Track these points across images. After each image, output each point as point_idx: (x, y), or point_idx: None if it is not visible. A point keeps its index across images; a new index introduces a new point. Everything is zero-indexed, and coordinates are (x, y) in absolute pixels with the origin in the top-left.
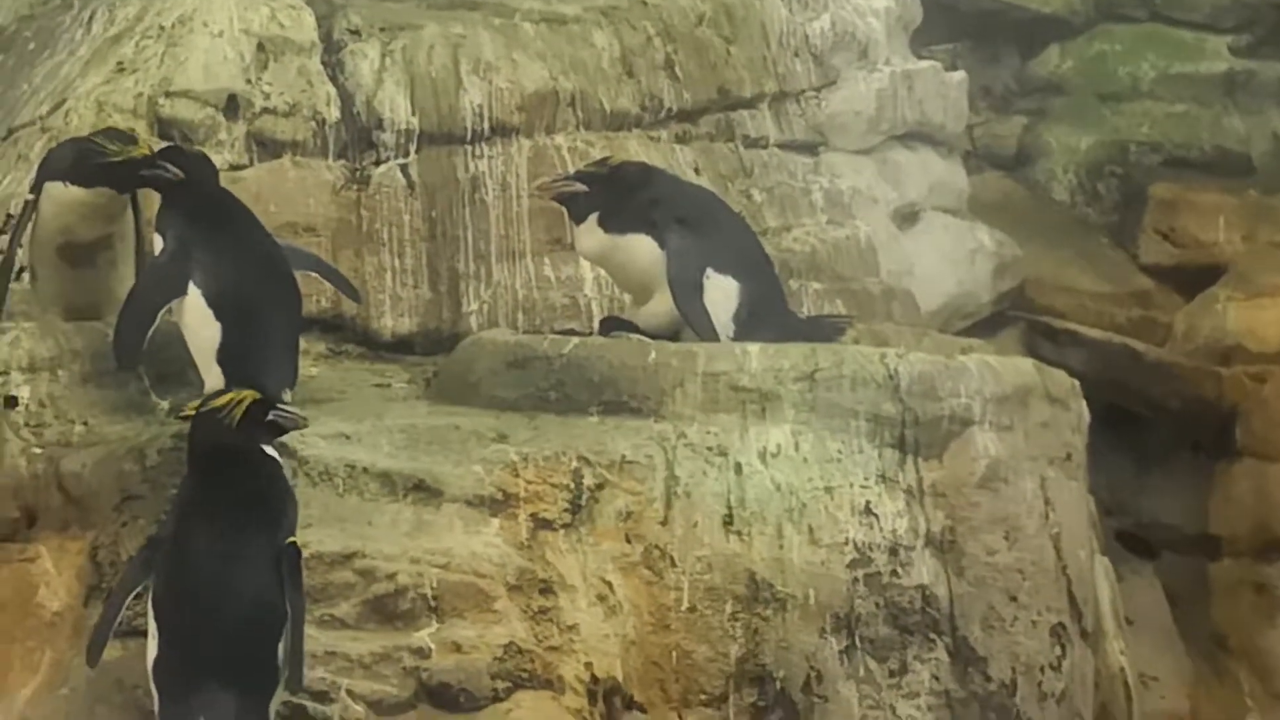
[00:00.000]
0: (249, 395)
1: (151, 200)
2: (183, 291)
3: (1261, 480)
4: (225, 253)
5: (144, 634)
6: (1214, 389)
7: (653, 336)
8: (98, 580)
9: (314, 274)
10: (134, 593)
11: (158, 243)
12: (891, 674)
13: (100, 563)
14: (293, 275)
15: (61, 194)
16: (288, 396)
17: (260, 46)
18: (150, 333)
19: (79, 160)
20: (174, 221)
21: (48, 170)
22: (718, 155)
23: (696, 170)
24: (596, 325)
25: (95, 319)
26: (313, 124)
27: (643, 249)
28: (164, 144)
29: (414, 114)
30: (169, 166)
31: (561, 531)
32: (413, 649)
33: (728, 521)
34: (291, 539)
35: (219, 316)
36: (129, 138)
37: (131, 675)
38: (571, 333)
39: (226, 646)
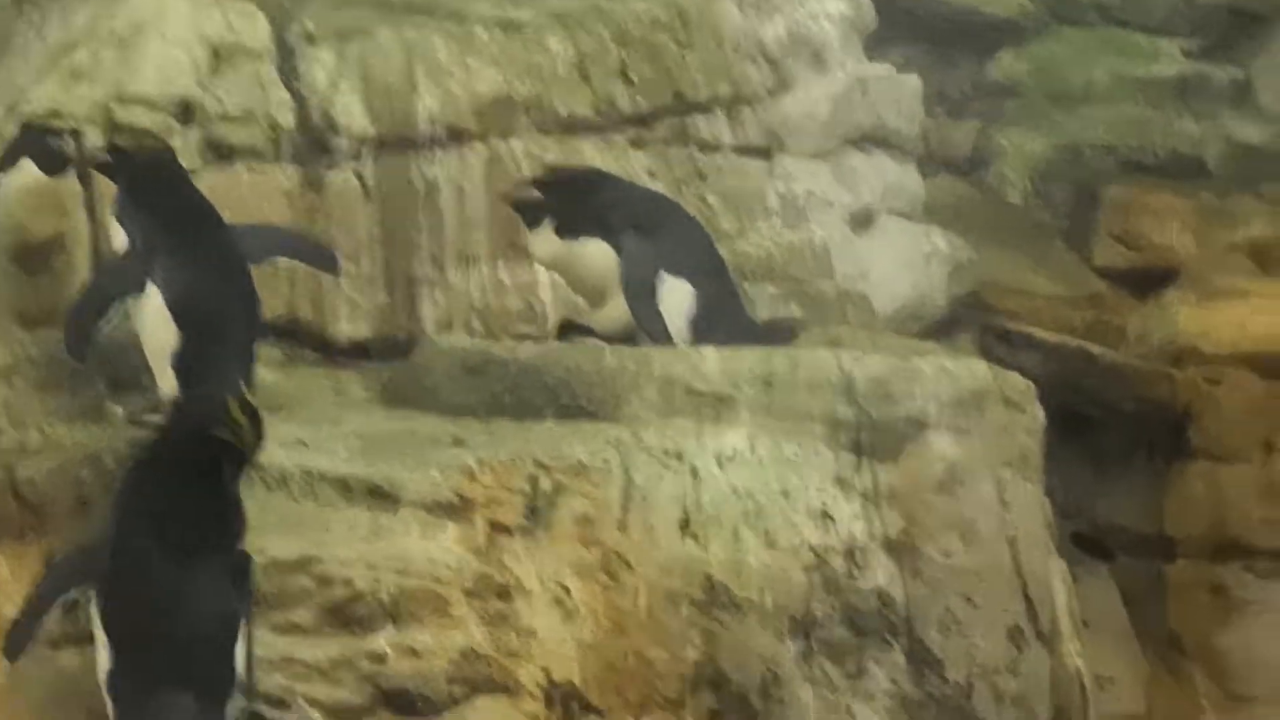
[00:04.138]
0: (239, 405)
1: (107, 203)
2: (139, 289)
3: (1216, 482)
4: (188, 255)
5: None
6: (1168, 391)
7: (608, 340)
8: None
9: (281, 259)
10: (64, 597)
11: (117, 234)
12: (848, 676)
13: None
14: (253, 283)
15: (6, 188)
16: None
17: (214, 53)
18: (101, 323)
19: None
20: (139, 217)
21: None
22: (673, 159)
23: (651, 174)
24: (552, 329)
25: (51, 326)
26: (267, 130)
27: (597, 254)
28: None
29: (369, 120)
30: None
31: (518, 536)
32: (370, 654)
33: (684, 525)
34: (242, 546)
35: (178, 321)
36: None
37: (89, 682)
38: (527, 337)
39: (185, 654)
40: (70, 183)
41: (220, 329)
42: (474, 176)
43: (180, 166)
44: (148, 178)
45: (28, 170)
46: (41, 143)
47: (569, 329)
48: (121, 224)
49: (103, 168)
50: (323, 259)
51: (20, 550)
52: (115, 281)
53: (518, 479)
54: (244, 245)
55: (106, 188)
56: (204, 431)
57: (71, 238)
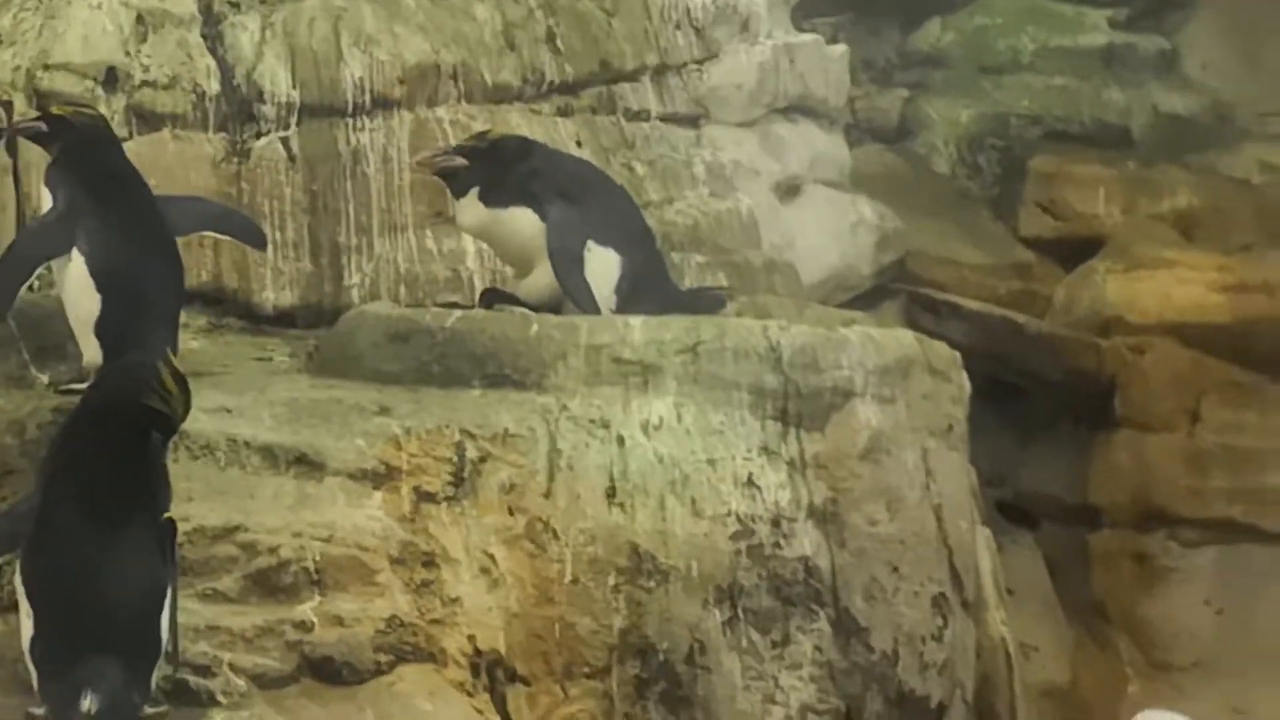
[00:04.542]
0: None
1: (31, 175)
2: (64, 251)
3: (1140, 451)
4: (113, 222)
5: None
6: (1093, 360)
7: (535, 309)
8: None
9: (208, 233)
10: None
11: (46, 199)
12: (774, 645)
13: None
14: (178, 251)
15: None
16: None
17: (139, 19)
18: (25, 285)
19: None
20: (66, 182)
21: None
22: (600, 128)
23: (578, 143)
24: (478, 298)
25: None
26: (193, 97)
27: (524, 222)
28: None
29: (295, 87)
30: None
31: (444, 504)
32: (295, 622)
33: (610, 494)
34: (167, 513)
35: (100, 288)
36: None
37: (12, 649)
38: (454, 306)
39: (110, 622)
40: None
41: (144, 296)
42: (400, 144)
43: (113, 134)
44: (81, 143)
45: None
46: None
47: (492, 297)
48: (50, 189)
49: (36, 136)
50: (249, 234)
51: None
52: (40, 243)
53: (444, 447)
54: (171, 217)
55: (35, 156)
56: (135, 398)
57: None
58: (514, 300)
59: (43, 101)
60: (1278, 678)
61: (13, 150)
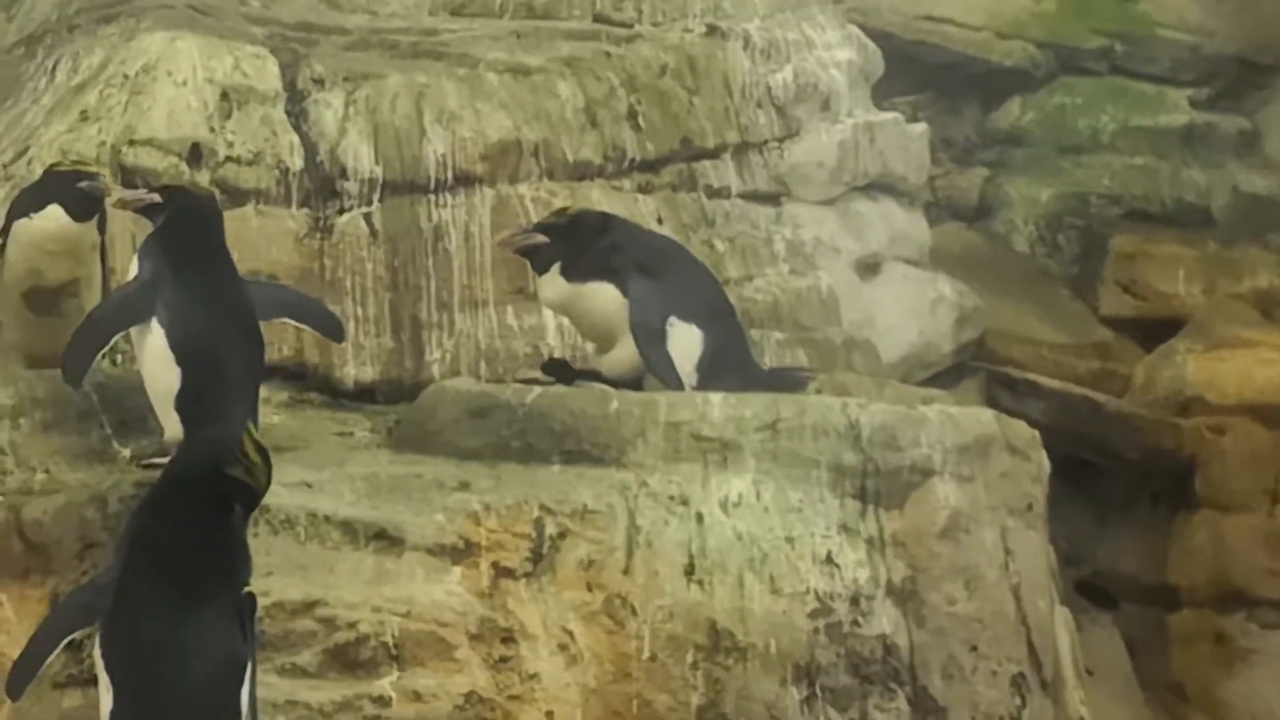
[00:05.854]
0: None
1: (116, 250)
2: (143, 320)
3: (1219, 531)
4: (194, 295)
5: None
6: (1173, 440)
7: (615, 385)
8: None
9: (288, 320)
10: (70, 637)
11: (133, 268)
12: None
13: None
14: (258, 326)
15: (30, 231)
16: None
17: (224, 95)
18: (101, 352)
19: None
20: (156, 253)
21: (16, 210)
22: (680, 205)
23: (659, 220)
24: (541, 367)
25: (57, 368)
26: (276, 172)
27: (606, 297)
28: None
29: (377, 163)
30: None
31: (523, 580)
32: (374, 697)
33: (689, 571)
34: (248, 588)
35: (179, 361)
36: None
37: None
38: (534, 382)
39: (189, 696)
40: (92, 229)
41: (223, 370)
42: (482, 220)
43: (219, 214)
44: (190, 214)
45: (54, 216)
46: (71, 188)
47: (555, 368)
48: (140, 258)
49: (147, 209)
50: (327, 324)
51: (25, 591)
52: (119, 311)
53: (523, 523)
54: (254, 301)
55: (119, 230)
56: (218, 467)
57: (84, 282)
58: (595, 376)
59: (128, 177)
60: None
61: (103, 227)
